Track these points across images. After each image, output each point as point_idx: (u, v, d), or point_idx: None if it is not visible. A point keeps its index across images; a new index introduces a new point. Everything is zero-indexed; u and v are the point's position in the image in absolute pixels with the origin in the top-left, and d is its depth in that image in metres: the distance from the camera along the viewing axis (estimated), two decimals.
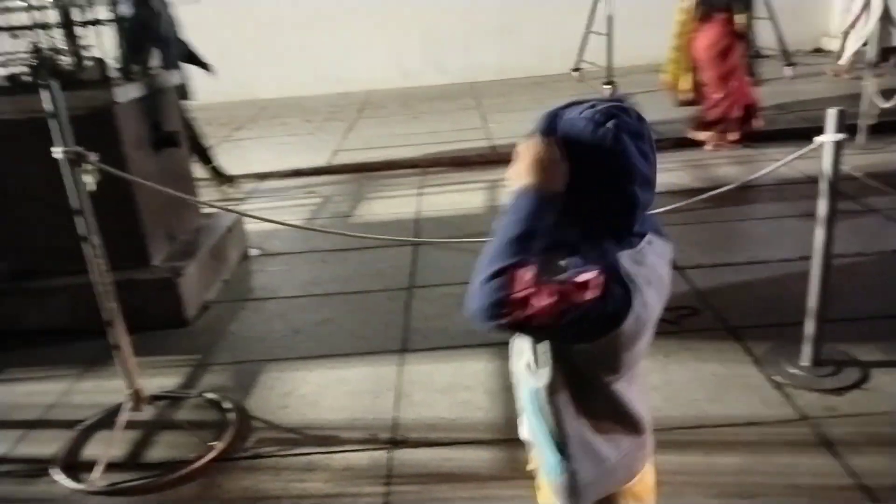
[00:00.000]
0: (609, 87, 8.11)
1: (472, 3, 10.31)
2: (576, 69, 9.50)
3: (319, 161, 6.62)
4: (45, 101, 2.30)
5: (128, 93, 3.47)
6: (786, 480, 2.17)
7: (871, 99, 5.67)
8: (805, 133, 2.71)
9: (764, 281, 3.58)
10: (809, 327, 2.73)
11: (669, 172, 5.49)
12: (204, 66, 5.76)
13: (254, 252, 4.52)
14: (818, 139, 2.50)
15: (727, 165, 5.66)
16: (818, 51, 10.18)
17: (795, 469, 2.22)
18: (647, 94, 8.35)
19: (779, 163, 2.90)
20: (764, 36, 8.31)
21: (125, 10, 4.74)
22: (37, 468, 2.50)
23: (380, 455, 2.45)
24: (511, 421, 2.51)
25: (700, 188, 4.77)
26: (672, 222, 4.40)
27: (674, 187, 4.98)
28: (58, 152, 2.34)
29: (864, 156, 5.43)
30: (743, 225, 4.43)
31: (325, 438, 2.57)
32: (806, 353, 2.75)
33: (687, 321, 3.16)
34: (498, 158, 6.36)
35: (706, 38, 5.81)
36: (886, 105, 5.57)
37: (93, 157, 2.36)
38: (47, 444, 2.63)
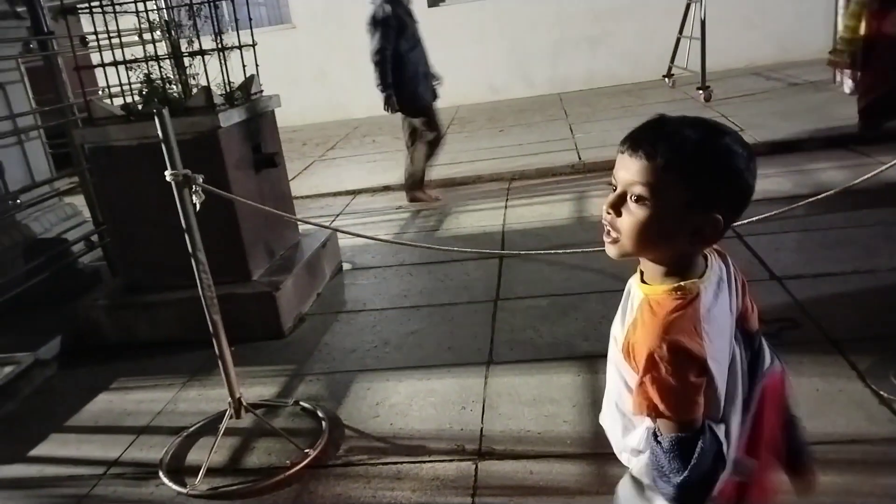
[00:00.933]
0: (702, 91, 7.89)
1: (558, 14, 10.31)
2: (668, 75, 9.28)
3: None
4: (157, 127, 2.48)
5: (231, 118, 3.68)
6: (893, 502, 2.05)
7: None
8: None
9: (870, 291, 3.38)
10: None
11: (768, 178, 5.29)
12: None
13: (346, 266, 4.67)
14: None
15: (831, 170, 5.38)
16: None
17: None
18: (743, 98, 8.09)
19: (885, 166, 2.75)
20: None
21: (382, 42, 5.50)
22: (145, 471, 2.69)
23: (467, 466, 2.48)
24: (598, 435, 2.49)
25: (802, 195, 4.57)
26: (771, 230, 4.28)
27: (773, 194, 4.79)
28: (168, 175, 2.51)
29: None
30: (848, 232, 4.19)
31: (414, 448, 2.63)
32: None
33: (787, 334, 3.03)
34: (585, 169, 6.33)
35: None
36: None
37: (199, 178, 2.52)
38: (155, 449, 2.81)
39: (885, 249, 3.83)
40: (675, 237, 1.09)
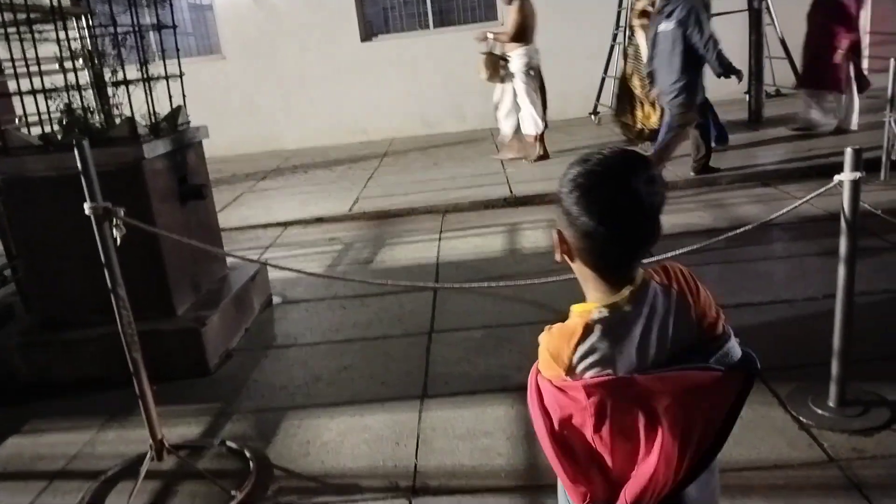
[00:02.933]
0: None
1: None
2: (594, 112, 9.59)
3: (341, 209, 6.73)
4: (76, 158, 2.38)
5: (156, 148, 3.58)
6: None
7: (893, 133, 5.64)
8: (828, 171, 2.70)
9: (788, 320, 3.54)
10: (835, 367, 2.68)
11: (689, 213, 5.49)
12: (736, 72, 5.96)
13: (276, 300, 4.57)
14: (837, 178, 2.51)
15: (748, 204, 5.64)
16: None
17: None
18: None
19: (799, 201, 2.89)
20: None
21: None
22: None
23: (400, 503, 2.43)
24: (532, 466, 2.49)
25: (720, 228, 4.76)
26: (693, 262, 4.41)
27: (693, 227, 4.98)
28: (87, 208, 2.41)
29: (887, 192, 5.38)
30: (765, 264, 4.39)
31: (346, 486, 2.56)
32: (832, 394, 2.69)
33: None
34: (517, 202, 6.43)
35: None
36: None
37: (120, 212, 2.43)
38: (70, 496, 2.65)
39: (800, 281, 4.02)
40: (558, 248, 1.25)
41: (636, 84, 7.39)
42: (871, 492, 2.23)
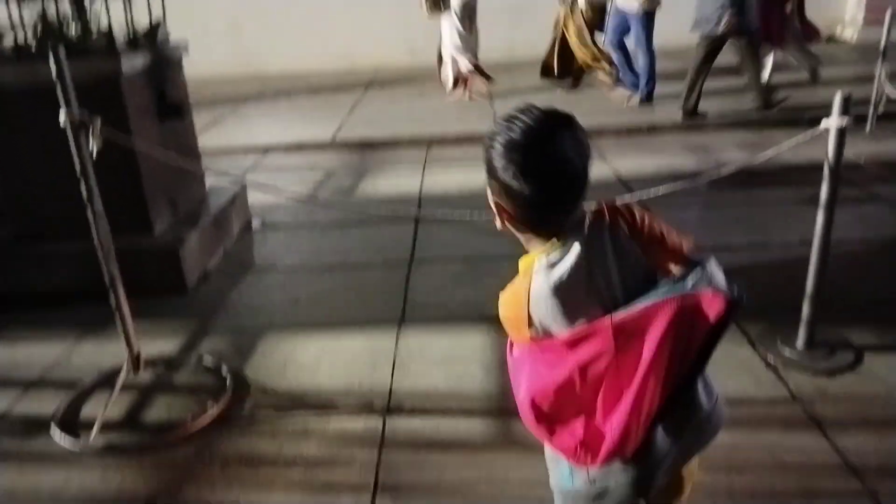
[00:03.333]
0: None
1: None
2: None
3: (324, 136, 6.63)
4: (51, 66, 2.30)
5: (134, 62, 3.47)
6: (773, 458, 2.20)
7: (882, 87, 5.63)
8: (816, 120, 2.68)
9: (764, 265, 3.59)
10: (805, 310, 2.74)
11: (673, 156, 5.49)
12: None
13: (255, 224, 4.54)
14: (824, 123, 2.50)
15: (733, 150, 5.64)
16: (831, 39, 10.10)
17: (783, 447, 2.24)
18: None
19: (781, 146, 2.89)
20: None
21: None
22: (35, 426, 2.54)
23: (374, 422, 2.48)
24: (504, 393, 2.54)
25: (703, 171, 4.77)
26: (675, 205, 4.44)
27: (677, 171, 4.98)
28: (62, 117, 2.34)
29: (872, 144, 5.41)
30: (746, 209, 4.42)
31: (322, 404, 2.60)
32: (801, 336, 2.76)
33: None
34: None
35: None
36: None
37: (97, 121, 2.37)
38: (46, 404, 2.67)
39: (780, 227, 4.06)
40: (498, 216, 1.26)
41: (571, 29, 7.52)
42: (829, 429, 2.31)
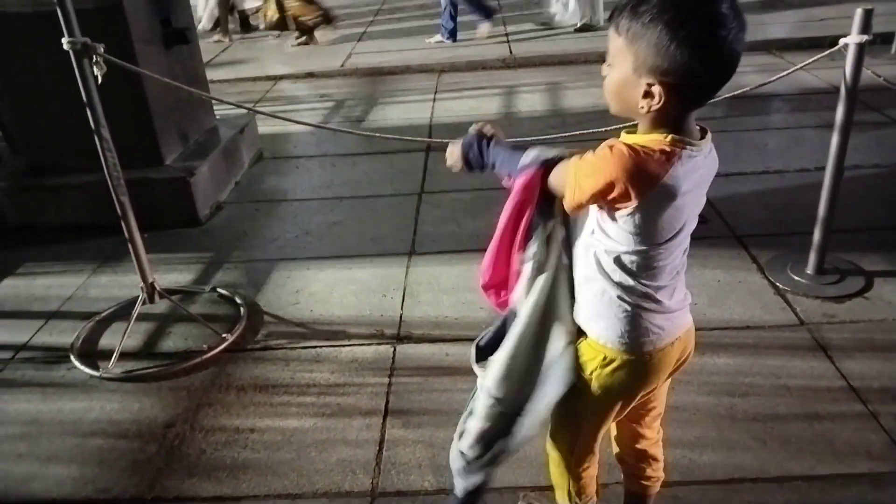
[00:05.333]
0: None
1: None
2: None
3: (333, 64, 6.52)
4: None
5: None
6: (777, 381, 2.22)
7: None
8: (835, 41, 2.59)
9: (777, 191, 3.54)
10: (817, 235, 2.72)
11: None
12: None
13: (266, 155, 4.52)
14: (843, 40, 2.42)
15: (751, 73, 5.48)
16: None
17: (788, 371, 2.27)
18: None
19: (796, 66, 2.81)
20: None
21: None
22: (56, 355, 2.62)
23: (385, 349, 2.53)
24: None
25: (719, 95, 4.65)
26: None
27: None
28: (65, 43, 2.31)
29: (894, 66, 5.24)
30: (761, 134, 4.33)
31: (333, 333, 2.65)
32: (811, 262, 2.75)
33: (696, 229, 3.15)
34: (516, 63, 6.23)
35: None
36: None
37: (100, 48, 2.33)
38: (65, 334, 2.74)
39: (795, 152, 3.99)
40: (632, 102, 1.14)
41: None
42: (834, 353, 2.33)
